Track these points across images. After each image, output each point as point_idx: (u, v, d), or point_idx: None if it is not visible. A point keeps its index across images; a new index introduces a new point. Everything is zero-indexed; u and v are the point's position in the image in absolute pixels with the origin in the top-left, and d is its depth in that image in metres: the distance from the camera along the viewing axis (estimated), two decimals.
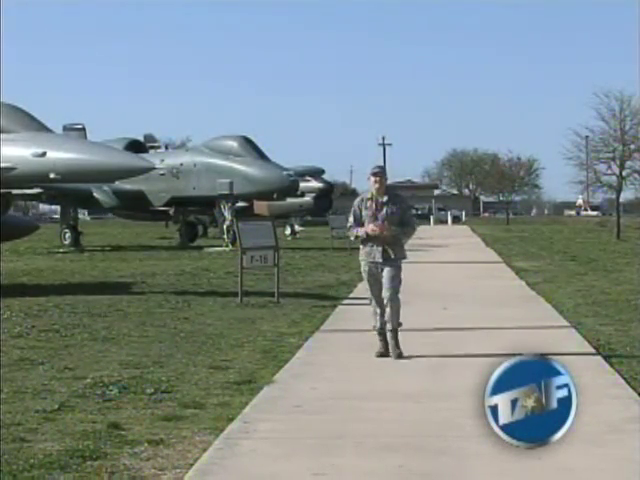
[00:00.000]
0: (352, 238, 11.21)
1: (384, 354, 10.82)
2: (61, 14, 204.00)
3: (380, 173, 10.87)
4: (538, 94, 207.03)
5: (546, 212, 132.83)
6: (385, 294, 10.82)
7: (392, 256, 10.81)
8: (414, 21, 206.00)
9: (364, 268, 10.96)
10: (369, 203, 10.89)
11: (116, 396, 8.81)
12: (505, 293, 18.75)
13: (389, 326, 10.83)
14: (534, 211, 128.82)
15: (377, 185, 10.84)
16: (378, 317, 10.96)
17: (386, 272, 10.81)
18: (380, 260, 10.80)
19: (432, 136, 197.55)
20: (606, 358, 10.68)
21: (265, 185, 37.17)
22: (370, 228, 10.73)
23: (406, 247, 11.01)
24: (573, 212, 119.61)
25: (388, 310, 10.83)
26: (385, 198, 10.86)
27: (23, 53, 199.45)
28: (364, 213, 10.87)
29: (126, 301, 17.10)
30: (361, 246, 10.99)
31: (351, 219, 11.03)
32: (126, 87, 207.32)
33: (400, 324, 10.89)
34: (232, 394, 8.91)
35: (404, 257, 11.03)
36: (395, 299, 10.83)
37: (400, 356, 10.71)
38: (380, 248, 10.78)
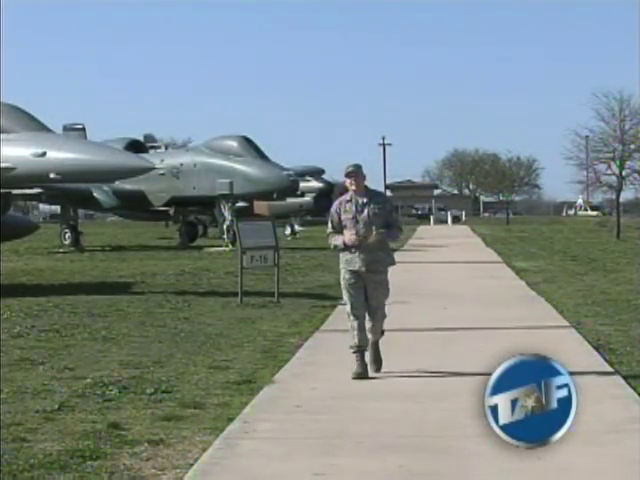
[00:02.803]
0: (331, 247, 9.99)
1: (362, 375, 9.55)
2: (61, 14, 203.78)
3: (354, 173, 9.70)
4: (538, 94, 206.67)
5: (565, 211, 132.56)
6: (371, 305, 9.74)
7: (378, 265, 9.75)
8: (414, 21, 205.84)
9: (344, 276, 9.78)
10: (348, 206, 9.76)
11: (116, 396, 8.82)
12: (505, 293, 18.74)
13: (372, 338, 9.76)
14: (564, 212, 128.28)
15: (354, 186, 9.71)
16: (356, 332, 9.68)
17: (371, 282, 9.71)
18: (363, 269, 9.67)
19: (432, 136, 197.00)
20: (606, 358, 10.68)
21: (265, 185, 37.15)
22: (347, 237, 9.65)
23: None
24: (573, 212, 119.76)
25: (371, 322, 9.76)
26: (365, 199, 9.76)
27: (23, 53, 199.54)
28: (344, 217, 9.74)
29: (126, 301, 17.10)
30: (341, 253, 9.84)
31: (330, 226, 9.89)
32: (126, 87, 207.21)
33: (382, 332, 9.90)
34: (232, 394, 8.91)
35: (392, 263, 9.95)
36: (381, 309, 9.83)
37: (379, 370, 9.75)
38: (362, 255, 9.67)
